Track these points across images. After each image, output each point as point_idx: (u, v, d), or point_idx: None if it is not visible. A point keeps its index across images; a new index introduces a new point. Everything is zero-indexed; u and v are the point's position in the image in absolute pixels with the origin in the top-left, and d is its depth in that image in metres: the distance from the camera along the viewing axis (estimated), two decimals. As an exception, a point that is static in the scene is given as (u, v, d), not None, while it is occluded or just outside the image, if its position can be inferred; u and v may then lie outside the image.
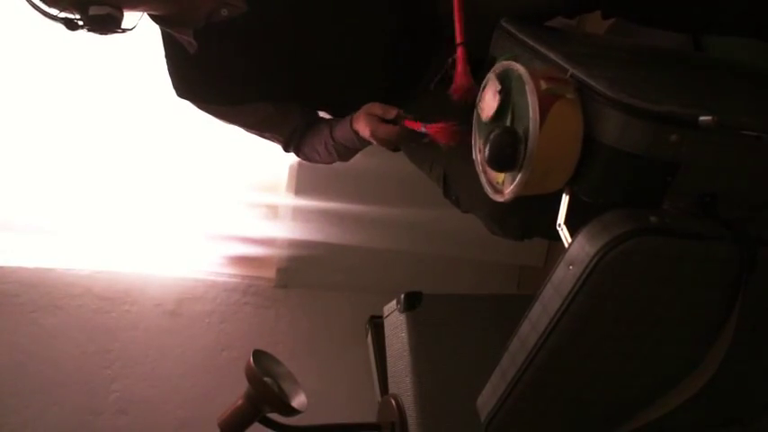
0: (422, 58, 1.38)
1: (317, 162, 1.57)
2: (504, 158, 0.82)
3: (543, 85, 0.79)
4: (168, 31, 1.29)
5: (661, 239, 0.75)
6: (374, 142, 1.32)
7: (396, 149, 1.39)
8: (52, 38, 1.84)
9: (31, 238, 2.06)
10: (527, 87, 0.80)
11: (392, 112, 1.27)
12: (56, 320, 2.09)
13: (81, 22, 1.12)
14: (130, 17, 1.17)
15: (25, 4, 1.09)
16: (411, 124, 1.24)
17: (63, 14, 1.11)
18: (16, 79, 1.93)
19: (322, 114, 1.57)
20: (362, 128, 1.31)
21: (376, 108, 1.29)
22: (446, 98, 1.10)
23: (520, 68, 0.83)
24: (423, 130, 1.20)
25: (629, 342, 0.84)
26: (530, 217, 1.26)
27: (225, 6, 1.23)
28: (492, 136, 0.83)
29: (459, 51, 1.06)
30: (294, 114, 1.50)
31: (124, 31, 1.16)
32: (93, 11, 1.10)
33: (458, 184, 1.34)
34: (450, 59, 1.07)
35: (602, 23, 1.33)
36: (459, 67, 1.05)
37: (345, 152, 1.47)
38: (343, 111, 1.48)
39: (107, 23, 1.13)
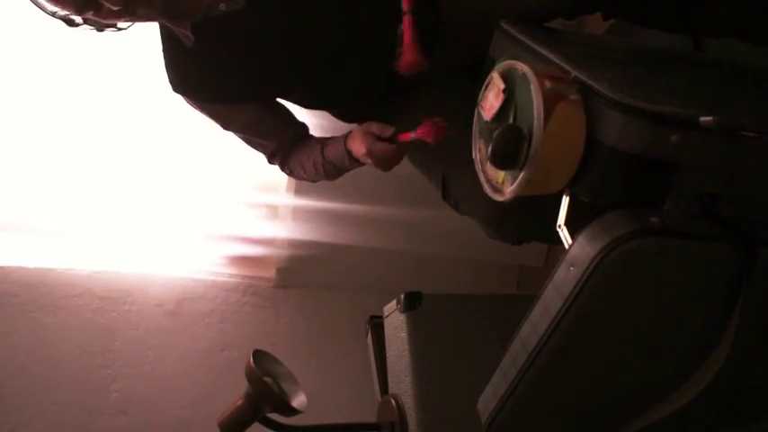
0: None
1: (300, 179, 1.57)
2: (507, 156, 0.82)
3: (548, 84, 0.79)
4: (166, 24, 1.29)
5: (661, 240, 0.75)
6: (368, 162, 1.33)
7: (388, 169, 1.39)
8: (53, 37, 1.84)
9: (31, 238, 2.06)
10: (532, 86, 0.80)
11: (388, 131, 1.28)
12: (56, 320, 2.09)
13: (79, 20, 1.14)
14: None
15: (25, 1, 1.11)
16: (403, 136, 1.26)
17: (62, 12, 1.13)
18: (16, 79, 1.93)
19: (317, 115, 1.58)
20: (357, 146, 1.33)
21: (373, 127, 1.30)
22: (454, 89, 1.09)
23: (524, 67, 0.83)
24: (412, 136, 1.22)
25: (630, 343, 0.84)
26: (527, 222, 1.26)
27: (223, 1, 1.24)
28: (496, 133, 0.82)
29: (406, 21, 1.02)
30: (285, 124, 1.49)
31: (119, 29, 1.19)
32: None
33: (457, 188, 1.34)
34: (398, 29, 1.05)
35: (602, 24, 1.33)
36: (407, 38, 1.02)
37: (333, 172, 1.47)
38: (341, 108, 1.48)
39: (104, 24, 1.15)
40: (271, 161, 1.54)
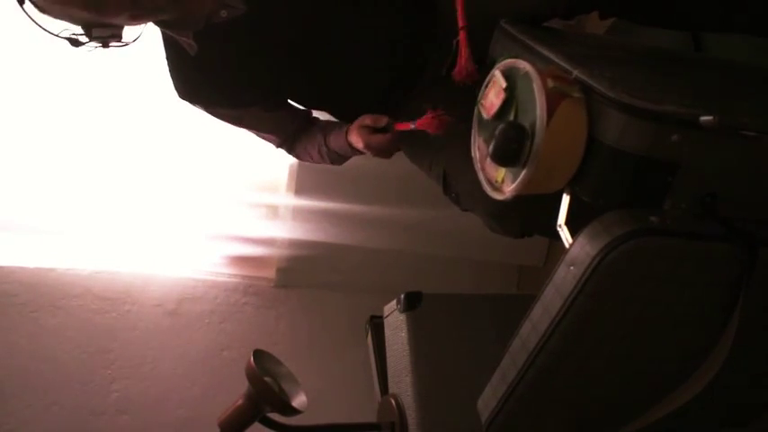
0: (422, 53, 1.38)
1: (305, 161, 1.62)
2: (509, 153, 0.81)
3: (550, 83, 0.79)
4: (168, 33, 1.29)
5: (662, 240, 0.75)
6: (369, 153, 1.39)
7: (388, 157, 1.44)
8: (52, 38, 1.83)
9: (31, 238, 2.06)
10: (534, 85, 0.79)
11: (382, 121, 1.34)
12: (56, 320, 2.09)
13: (84, 39, 1.15)
14: (132, 29, 1.19)
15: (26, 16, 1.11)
16: (401, 126, 1.30)
17: (66, 33, 1.14)
18: (17, 79, 1.93)
19: (321, 114, 1.58)
20: (356, 140, 1.38)
21: (367, 119, 1.36)
22: (453, 88, 1.10)
23: (527, 66, 0.83)
24: (412, 126, 1.25)
25: (630, 343, 0.84)
26: (529, 215, 1.26)
27: (224, 8, 1.24)
28: (498, 130, 0.82)
29: (462, 35, 1.07)
30: (291, 119, 1.53)
31: (126, 44, 1.19)
32: (96, 32, 1.14)
33: (458, 182, 1.34)
34: (454, 41, 1.08)
35: (602, 23, 1.33)
36: (462, 51, 1.07)
37: (338, 159, 1.53)
38: (343, 109, 1.48)
39: (109, 40, 1.17)
40: (279, 147, 1.58)
